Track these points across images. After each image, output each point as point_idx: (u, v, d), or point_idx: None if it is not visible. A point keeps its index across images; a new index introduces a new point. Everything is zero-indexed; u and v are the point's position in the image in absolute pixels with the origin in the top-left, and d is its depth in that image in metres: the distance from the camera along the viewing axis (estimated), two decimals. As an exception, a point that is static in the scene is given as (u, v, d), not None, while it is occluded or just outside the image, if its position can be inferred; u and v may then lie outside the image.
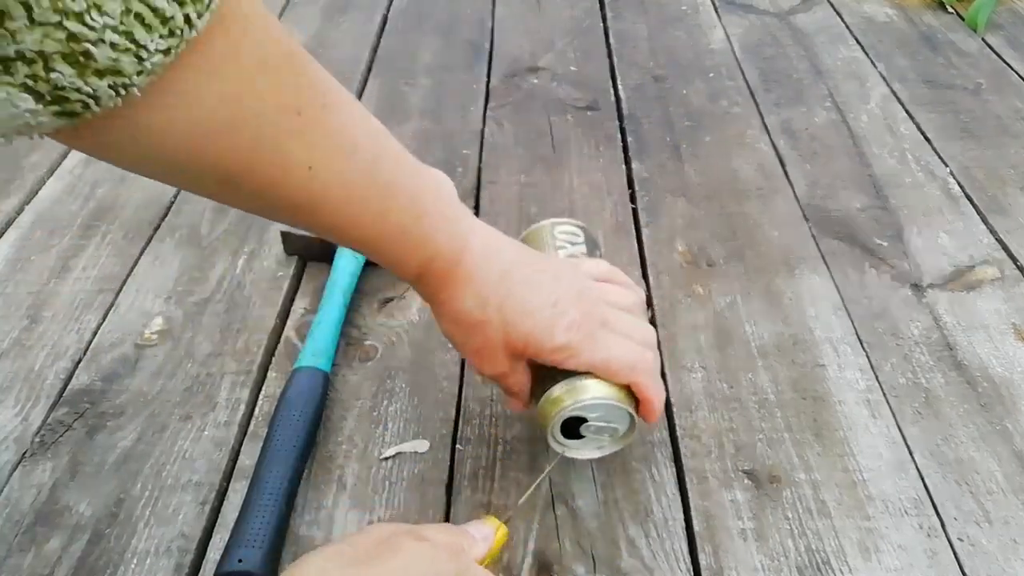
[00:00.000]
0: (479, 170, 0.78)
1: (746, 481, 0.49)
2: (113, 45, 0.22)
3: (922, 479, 0.49)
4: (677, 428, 0.53)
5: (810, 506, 0.48)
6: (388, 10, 1.09)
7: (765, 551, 0.46)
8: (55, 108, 0.23)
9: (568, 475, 0.50)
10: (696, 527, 0.47)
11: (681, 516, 0.48)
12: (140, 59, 0.23)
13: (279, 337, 0.60)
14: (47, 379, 0.57)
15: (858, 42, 1.00)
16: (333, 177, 0.34)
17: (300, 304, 0.63)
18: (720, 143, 0.81)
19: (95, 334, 0.60)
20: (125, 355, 0.59)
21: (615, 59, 0.97)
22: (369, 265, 0.65)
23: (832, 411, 0.54)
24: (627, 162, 0.79)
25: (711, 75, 0.93)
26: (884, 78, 0.92)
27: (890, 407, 0.54)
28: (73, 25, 0.21)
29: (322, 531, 0.47)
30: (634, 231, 0.70)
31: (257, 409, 0.55)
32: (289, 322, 0.62)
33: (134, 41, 0.23)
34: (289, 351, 0.59)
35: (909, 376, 0.56)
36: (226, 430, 0.53)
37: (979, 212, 0.71)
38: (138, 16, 0.22)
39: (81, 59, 0.22)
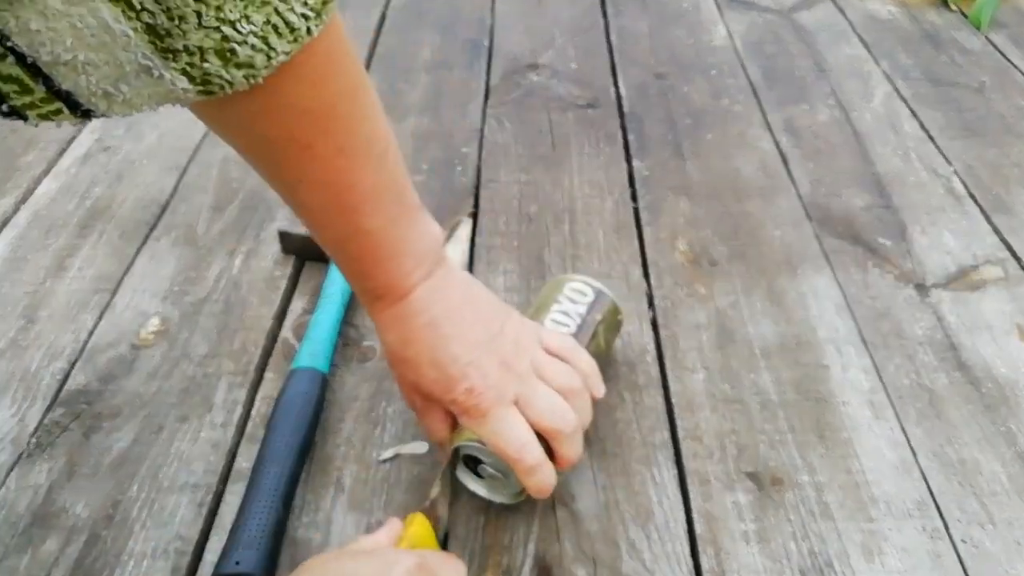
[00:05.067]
0: (478, 169, 0.78)
1: (748, 483, 0.49)
2: (253, 46, 0.29)
3: (926, 481, 0.49)
4: (679, 429, 0.52)
5: (813, 508, 0.47)
6: (387, 7, 1.09)
7: (767, 554, 0.45)
8: (200, 88, 0.30)
9: (569, 477, 0.49)
10: (698, 529, 0.47)
11: (683, 518, 0.47)
12: (269, 58, 0.30)
13: (276, 337, 0.60)
14: (43, 380, 0.56)
15: (861, 40, 0.99)
16: (319, 201, 0.40)
17: (298, 304, 0.63)
18: (722, 141, 0.81)
19: (91, 334, 0.60)
20: (121, 355, 0.58)
21: (616, 56, 0.96)
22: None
23: (835, 412, 0.53)
24: (628, 160, 0.78)
25: (713, 73, 0.93)
26: (887, 76, 0.91)
27: (894, 408, 0.53)
28: (227, 30, 0.28)
29: (320, 533, 0.47)
30: (635, 230, 0.69)
31: (254, 410, 0.54)
32: (286, 322, 0.61)
33: (268, 44, 0.29)
34: (286, 352, 0.58)
35: (913, 377, 0.56)
36: (223, 431, 0.53)
37: (983, 211, 0.71)
38: (274, 26, 0.29)
39: (228, 55, 0.29)
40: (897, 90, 0.89)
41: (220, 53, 0.28)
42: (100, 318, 0.61)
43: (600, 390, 0.48)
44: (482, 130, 0.83)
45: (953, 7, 1.05)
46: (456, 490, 0.48)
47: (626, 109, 0.86)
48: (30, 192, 0.75)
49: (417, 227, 0.44)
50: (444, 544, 0.46)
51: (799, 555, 0.45)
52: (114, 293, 0.64)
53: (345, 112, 0.37)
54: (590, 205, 0.72)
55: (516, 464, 0.43)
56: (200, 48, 0.28)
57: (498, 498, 0.47)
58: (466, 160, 0.79)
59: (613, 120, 0.85)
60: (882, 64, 0.94)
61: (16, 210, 0.73)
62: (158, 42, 0.27)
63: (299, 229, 0.66)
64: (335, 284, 0.61)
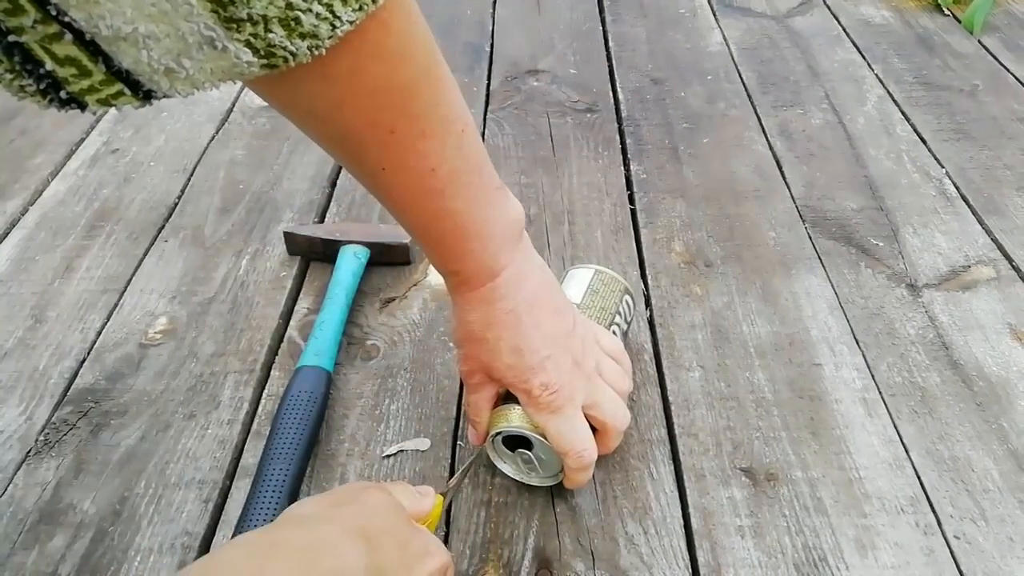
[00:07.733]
0: (479, 171, 0.78)
1: (743, 479, 0.50)
2: (317, 15, 0.28)
3: (918, 477, 0.50)
4: (675, 426, 0.53)
5: (807, 504, 0.48)
6: (389, 13, 1.10)
7: (762, 548, 0.46)
8: (264, 60, 0.29)
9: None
10: (694, 524, 0.48)
11: (679, 513, 0.48)
12: (333, 27, 0.29)
13: (282, 336, 0.61)
14: (51, 378, 0.57)
15: (855, 44, 1.00)
16: (403, 187, 0.39)
17: (303, 304, 0.64)
18: (718, 145, 0.82)
19: (99, 334, 0.61)
20: (129, 354, 0.59)
21: (614, 62, 0.97)
22: (371, 265, 0.65)
23: (829, 410, 0.54)
24: (626, 163, 0.80)
25: (709, 77, 0.94)
26: (880, 80, 0.93)
27: (886, 406, 0.54)
28: None
29: (324, 528, 0.48)
30: (633, 232, 0.71)
31: (260, 408, 0.55)
32: (292, 321, 0.62)
33: (332, 13, 0.29)
34: (292, 350, 0.59)
35: (905, 375, 0.57)
36: (229, 428, 0.53)
37: (975, 212, 0.72)
38: None
39: (292, 24, 0.28)
40: (890, 94, 0.90)
41: (284, 22, 0.27)
42: (108, 318, 0.62)
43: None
44: (483, 134, 0.84)
45: (946, 11, 1.07)
46: (460, 487, 0.49)
47: (624, 113, 0.87)
48: (38, 194, 0.76)
49: (498, 206, 0.43)
50: (446, 539, 0.47)
51: (793, 549, 0.46)
52: (122, 293, 0.65)
53: (425, 91, 0.36)
54: (589, 207, 0.73)
55: (575, 462, 0.45)
56: (264, 17, 0.27)
57: (528, 480, 0.49)
58: (467, 163, 0.80)
59: (611, 124, 0.86)
60: (875, 68, 0.95)
61: (25, 212, 0.74)
62: (221, 11, 0.26)
63: (304, 230, 0.67)
64: (340, 285, 0.62)
